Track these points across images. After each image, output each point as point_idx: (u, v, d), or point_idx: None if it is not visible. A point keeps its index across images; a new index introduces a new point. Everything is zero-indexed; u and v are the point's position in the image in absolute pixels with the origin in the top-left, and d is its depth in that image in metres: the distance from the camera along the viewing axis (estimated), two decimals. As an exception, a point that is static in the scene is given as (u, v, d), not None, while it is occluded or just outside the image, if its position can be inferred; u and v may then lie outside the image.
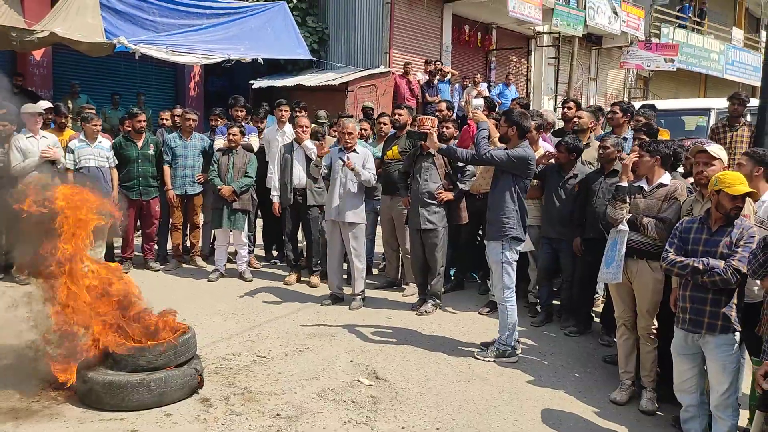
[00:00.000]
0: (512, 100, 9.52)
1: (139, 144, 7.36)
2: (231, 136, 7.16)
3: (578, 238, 5.55)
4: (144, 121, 7.42)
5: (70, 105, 10.42)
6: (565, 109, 7.17)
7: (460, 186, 6.15)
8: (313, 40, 14.14)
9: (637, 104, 8.31)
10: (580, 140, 5.98)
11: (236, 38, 11.88)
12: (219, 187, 7.05)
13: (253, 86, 13.59)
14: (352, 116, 8.57)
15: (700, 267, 3.55)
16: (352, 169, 6.08)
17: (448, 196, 6.07)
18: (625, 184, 4.45)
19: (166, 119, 8.63)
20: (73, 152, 6.94)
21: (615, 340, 4.84)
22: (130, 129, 7.46)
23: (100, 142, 7.11)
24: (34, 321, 4.22)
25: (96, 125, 7.09)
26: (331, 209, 6.30)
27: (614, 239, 4.41)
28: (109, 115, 11.54)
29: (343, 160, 6.10)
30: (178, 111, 8.18)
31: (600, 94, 20.49)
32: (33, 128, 6.78)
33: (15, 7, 9.77)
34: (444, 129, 6.61)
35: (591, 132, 6.54)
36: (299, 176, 6.91)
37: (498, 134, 5.31)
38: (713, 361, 3.61)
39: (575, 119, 6.35)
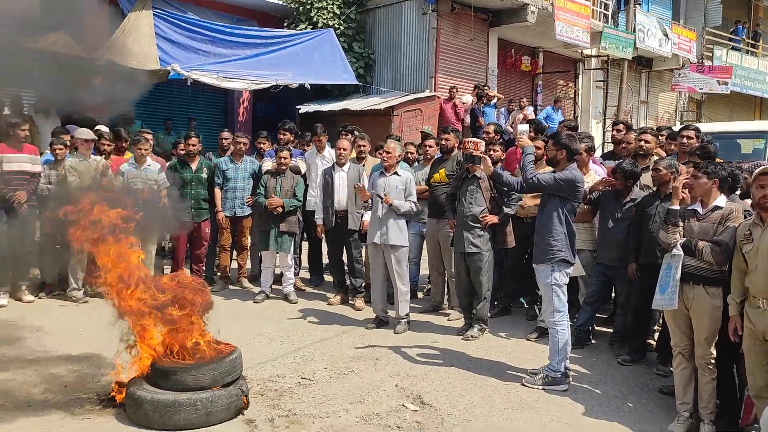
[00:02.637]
0: (560, 122, 9.41)
1: (194, 167, 7.55)
2: (281, 159, 7.25)
3: (633, 263, 5.41)
4: (196, 144, 7.61)
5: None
6: (615, 132, 7.03)
7: (506, 210, 6.07)
8: (360, 65, 14.34)
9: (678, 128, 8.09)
10: (638, 165, 5.82)
11: (284, 65, 12.18)
12: (266, 202, 7.11)
13: (300, 111, 13.82)
14: (399, 138, 8.64)
15: None
16: (390, 205, 6.13)
17: (493, 219, 6.00)
18: (677, 207, 4.32)
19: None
20: (122, 175, 7.13)
21: (671, 369, 4.66)
22: (184, 152, 7.65)
23: (149, 165, 7.27)
24: (89, 335, 4.31)
25: (142, 148, 7.21)
26: (373, 232, 6.32)
27: (668, 264, 4.27)
28: (162, 140, 11.88)
29: (380, 197, 6.16)
30: (226, 135, 8.35)
31: (651, 118, 20.11)
32: (85, 152, 7.03)
33: (75, 37, 10.18)
34: (491, 152, 6.58)
35: (653, 156, 6.34)
36: (340, 199, 6.96)
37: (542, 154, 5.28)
38: None
39: (641, 143, 6.16)
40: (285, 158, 7.27)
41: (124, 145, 7.87)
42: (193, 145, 7.56)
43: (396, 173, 6.32)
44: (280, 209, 7.10)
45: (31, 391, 4.49)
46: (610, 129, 8.49)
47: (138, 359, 4.21)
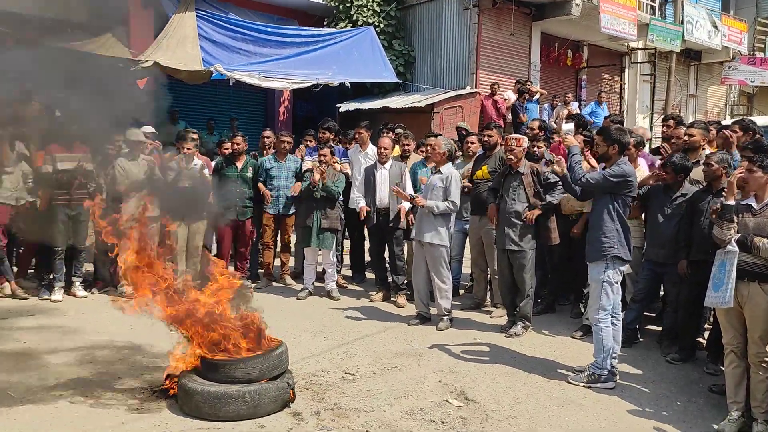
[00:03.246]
0: (605, 117, 9.31)
1: (239, 166, 7.71)
2: (321, 157, 7.36)
3: (684, 260, 5.33)
4: (241, 143, 7.75)
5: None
6: (665, 127, 6.92)
7: (548, 198, 6.03)
8: (400, 62, 14.39)
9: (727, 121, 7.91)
10: (689, 159, 5.73)
11: (324, 63, 12.30)
12: (310, 178, 7.20)
13: (340, 110, 13.94)
14: (440, 135, 8.66)
15: None
16: (422, 206, 6.17)
17: (535, 213, 5.96)
18: (732, 202, 4.25)
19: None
20: (172, 170, 7.30)
21: (722, 368, 4.59)
22: (229, 151, 7.81)
23: (195, 164, 7.42)
24: (140, 329, 4.47)
25: (188, 147, 7.33)
26: (415, 229, 6.37)
27: (722, 261, 4.20)
28: (205, 140, 12.12)
29: (412, 196, 6.20)
30: (268, 133, 8.49)
31: (700, 112, 19.66)
32: (135, 152, 7.24)
33: (122, 39, 10.50)
34: (535, 148, 6.56)
35: (702, 150, 6.24)
36: (382, 197, 7.02)
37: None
38: None
39: (685, 137, 6.07)
40: (325, 155, 7.37)
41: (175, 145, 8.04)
42: (239, 144, 7.72)
43: (439, 171, 6.34)
44: (324, 178, 7.15)
45: (87, 381, 4.68)
46: (660, 124, 8.33)
47: (189, 352, 4.34)
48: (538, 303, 6.76)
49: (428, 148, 6.36)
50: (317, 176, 7.12)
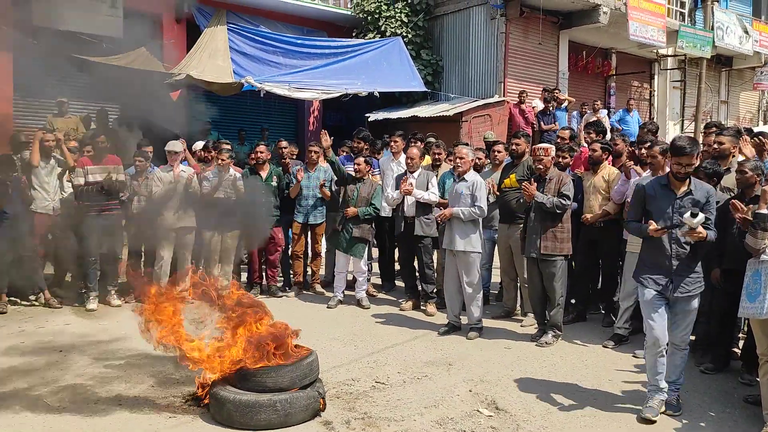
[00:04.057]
0: (640, 126, 9.15)
1: (263, 175, 7.76)
2: (356, 166, 7.38)
3: (717, 269, 5.21)
4: (264, 152, 7.77)
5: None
6: (705, 134, 6.81)
7: (563, 202, 5.90)
8: (428, 72, 14.40)
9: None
10: (720, 165, 5.63)
11: (353, 74, 12.40)
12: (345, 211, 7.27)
13: (369, 119, 13.98)
14: (467, 144, 8.64)
15: None
16: (449, 219, 6.19)
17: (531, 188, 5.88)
18: (766, 211, 4.15)
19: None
20: (208, 182, 7.41)
21: (757, 378, 4.47)
22: (254, 161, 7.89)
23: (231, 175, 7.51)
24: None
25: (218, 157, 7.47)
26: (446, 237, 6.35)
27: (756, 270, 4.11)
28: (237, 150, 12.27)
29: (436, 215, 6.33)
30: (284, 144, 8.49)
31: (732, 118, 19.28)
32: (172, 163, 7.36)
33: (155, 53, 10.71)
34: (560, 159, 6.51)
35: (732, 156, 6.12)
36: (408, 206, 7.02)
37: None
38: None
39: (715, 145, 5.96)
40: (360, 165, 7.38)
41: (211, 155, 8.14)
42: (261, 152, 7.75)
43: (464, 178, 6.33)
44: (354, 214, 7.24)
45: (122, 389, 4.76)
46: (703, 132, 8.20)
47: (221, 361, 4.38)
48: (568, 312, 6.68)
49: (456, 158, 6.33)
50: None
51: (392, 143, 8.06)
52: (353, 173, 7.44)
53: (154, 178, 7.19)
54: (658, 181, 4.55)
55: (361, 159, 7.47)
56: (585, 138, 7.83)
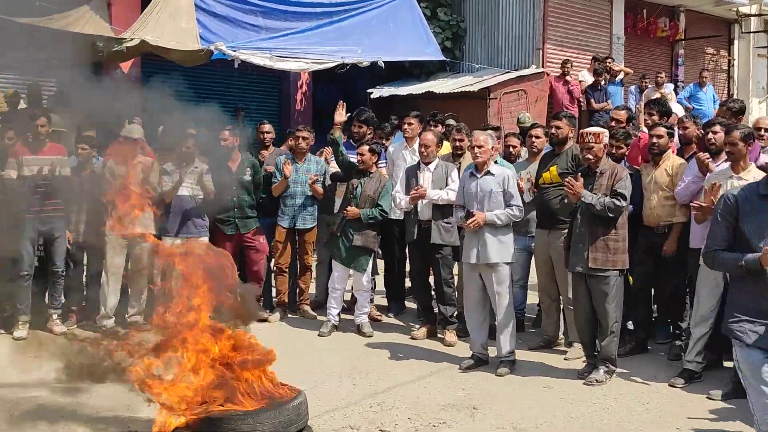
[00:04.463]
0: (721, 104, 9.13)
1: (234, 168, 7.68)
2: (359, 157, 7.29)
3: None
4: (228, 139, 7.65)
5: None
6: None
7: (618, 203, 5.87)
8: (446, 36, 14.42)
9: None
10: None
11: (352, 38, 12.34)
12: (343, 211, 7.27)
13: (372, 95, 14.00)
14: (498, 128, 8.62)
15: None
16: (478, 225, 6.16)
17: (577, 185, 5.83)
18: None
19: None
20: (168, 175, 7.38)
21: None
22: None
23: (196, 167, 7.44)
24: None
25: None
26: (468, 249, 6.35)
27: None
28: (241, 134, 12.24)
29: (464, 219, 6.25)
30: (267, 127, 8.56)
31: (834, 93, 19.27)
32: (129, 152, 7.37)
33: (101, 13, 10.72)
34: (614, 149, 6.51)
35: None
36: (423, 207, 7.02)
37: None
38: None
39: None
40: (363, 155, 7.29)
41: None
42: (226, 140, 7.65)
43: (489, 172, 6.32)
44: (357, 216, 7.16)
45: None
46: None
47: (184, 405, 4.38)
48: (624, 341, 6.68)
49: (474, 147, 6.29)
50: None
51: (406, 126, 8.00)
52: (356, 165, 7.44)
53: (106, 170, 7.19)
54: (753, 190, 4.07)
55: (366, 147, 7.35)
56: (645, 120, 7.82)
